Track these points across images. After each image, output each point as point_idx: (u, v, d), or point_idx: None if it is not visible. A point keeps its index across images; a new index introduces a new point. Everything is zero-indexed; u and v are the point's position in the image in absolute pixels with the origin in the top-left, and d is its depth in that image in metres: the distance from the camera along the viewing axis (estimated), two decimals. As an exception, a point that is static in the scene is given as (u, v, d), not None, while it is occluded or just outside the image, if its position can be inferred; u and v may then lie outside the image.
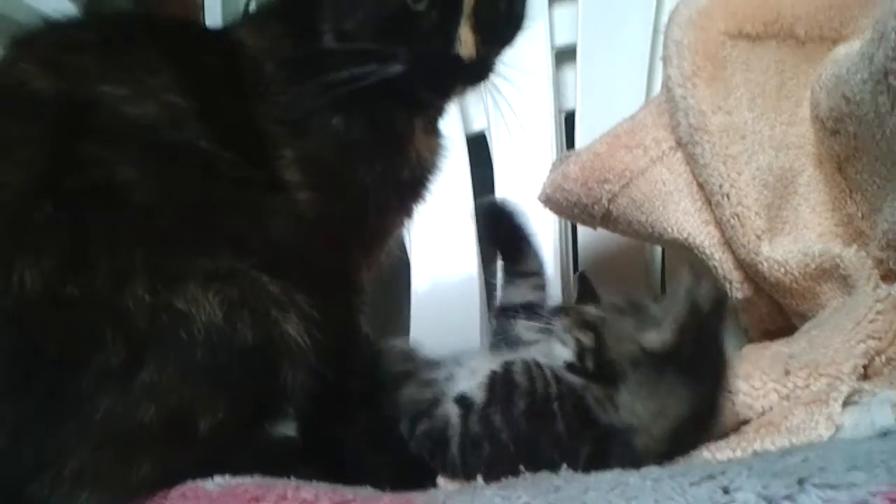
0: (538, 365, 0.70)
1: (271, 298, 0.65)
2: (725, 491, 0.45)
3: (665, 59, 0.97)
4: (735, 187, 0.91)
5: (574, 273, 1.23)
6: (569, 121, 1.28)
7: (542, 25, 1.25)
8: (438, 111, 0.84)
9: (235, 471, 0.61)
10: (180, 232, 0.63)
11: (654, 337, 0.63)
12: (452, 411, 0.71)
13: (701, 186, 0.95)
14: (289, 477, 0.61)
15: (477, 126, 1.32)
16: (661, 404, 0.63)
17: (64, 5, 1.08)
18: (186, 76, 0.70)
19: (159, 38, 0.73)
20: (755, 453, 0.61)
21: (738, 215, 0.91)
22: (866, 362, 0.74)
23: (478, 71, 0.74)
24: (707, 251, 0.94)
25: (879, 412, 0.63)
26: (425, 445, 0.71)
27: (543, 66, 1.26)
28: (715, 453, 0.65)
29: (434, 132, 0.84)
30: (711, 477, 0.46)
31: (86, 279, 0.59)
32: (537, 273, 0.92)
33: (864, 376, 0.74)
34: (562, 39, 1.28)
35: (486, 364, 0.73)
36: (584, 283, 0.94)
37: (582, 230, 1.21)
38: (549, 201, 1.06)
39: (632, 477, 0.50)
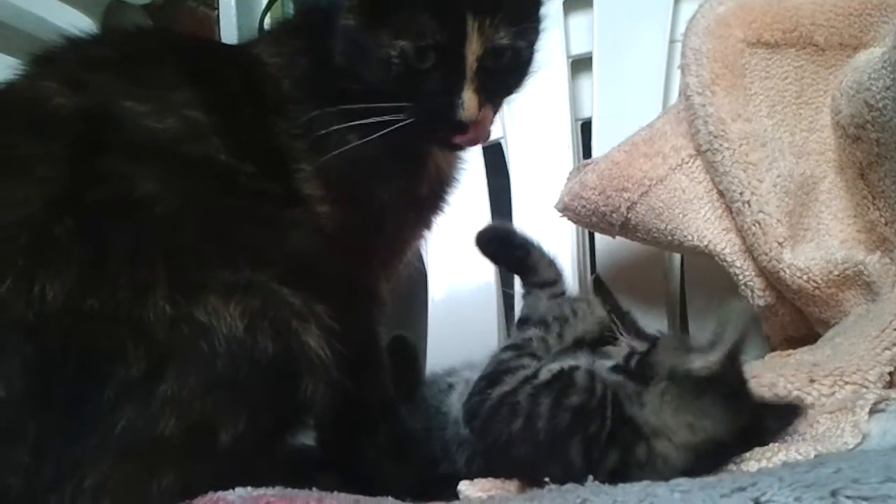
0: (594, 375, 0.70)
1: (292, 310, 0.65)
2: (757, 503, 0.44)
3: (683, 68, 0.97)
4: (756, 195, 0.91)
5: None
6: (585, 129, 1.27)
7: (558, 34, 1.25)
8: None
9: (256, 481, 0.60)
10: (201, 244, 0.64)
11: (700, 362, 0.64)
12: (521, 374, 0.71)
13: (721, 194, 0.95)
14: (310, 487, 0.60)
15: (493, 135, 1.32)
16: (692, 418, 0.63)
17: (80, 20, 1.09)
18: (207, 92, 0.70)
19: (179, 55, 0.74)
20: (785, 464, 0.60)
21: (759, 223, 0.90)
22: (892, 369, 0.74)
23: None
24: (728, 259, 0.94)
25: (907, 420, 0.62)
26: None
27: (559, 75, 1.26)
28: (741, 464, 0.64)
29: None
30: (742, 489, 0.45)
31: (107, 292, 0.59)
32: (555, 282, 0.92)
33: (891, 384, 0.73)
34: (577, 48, 1.28)
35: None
36: (599, 286, 0.93)
37: (599, 238, 1.20)
38: (567, 210, 1.06)
39: (660, 489, 0.49)
